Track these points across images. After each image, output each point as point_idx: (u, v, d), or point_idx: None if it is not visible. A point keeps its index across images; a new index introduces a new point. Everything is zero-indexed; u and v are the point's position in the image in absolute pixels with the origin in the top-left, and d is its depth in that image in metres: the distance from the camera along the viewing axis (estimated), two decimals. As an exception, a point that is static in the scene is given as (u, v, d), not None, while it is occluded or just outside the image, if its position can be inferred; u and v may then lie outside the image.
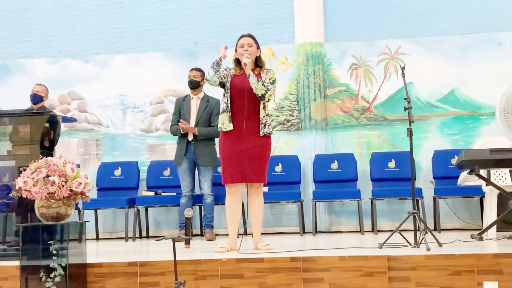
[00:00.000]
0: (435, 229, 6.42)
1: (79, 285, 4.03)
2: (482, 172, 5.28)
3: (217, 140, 6.38)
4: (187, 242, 4.07)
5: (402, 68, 4.98)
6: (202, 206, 6.58)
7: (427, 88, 7.18)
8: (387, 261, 3.98)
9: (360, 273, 3.98)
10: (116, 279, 4.11)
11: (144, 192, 7.00)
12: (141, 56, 7.57)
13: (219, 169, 6.80)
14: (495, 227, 5.25)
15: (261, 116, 4.74)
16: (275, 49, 7.39)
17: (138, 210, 6.80)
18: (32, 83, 6.59)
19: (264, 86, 4.66)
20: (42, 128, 4.77)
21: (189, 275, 4.04)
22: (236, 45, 4.84)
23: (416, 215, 4.63)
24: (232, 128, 4.71)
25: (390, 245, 4.54)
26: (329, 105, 7.29)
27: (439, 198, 6.56)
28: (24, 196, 3.97)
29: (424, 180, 6.96)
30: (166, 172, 7.14)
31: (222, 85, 4.78)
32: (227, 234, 4.88)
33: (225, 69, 4.81)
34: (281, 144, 7.19)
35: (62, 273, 3.88)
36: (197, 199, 6.58)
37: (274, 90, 4.78)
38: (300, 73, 7.33)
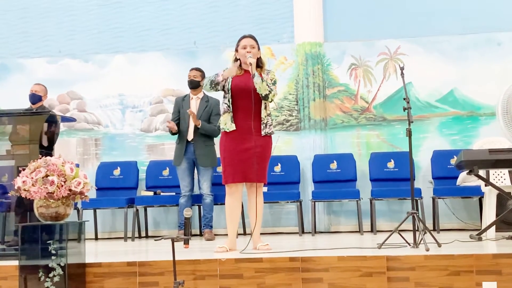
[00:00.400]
0: (434, 230, 6.42)
1: (78, 285, 4.03)
2: (481, 172, 5.28)
3: (216, 140, 6.41)
4: (186, 242, 4.07)
5: (402, 68, 4.98)
6: (201, 206, 6.58)
7: (426, 88, 7.18)
8: (386, 261, 3.98)
9: (359, 273, 3.98)
10: (115, 279, 4.11)
11: (143, 192, 7.00)
12: (140, 56, 7.57)
13: (219, 169, 6.84)
14: (494, 227, 5.26)
15: (262, 116, 4.74)
16: (274, 49, 7.40)
17: (137, 210, 6.80)
18: (31, 82, 6.57)
19: (268, 86, 4.66)
20: (41, 127, 4.77)
21: (188, 275, 4.04)
22: (237, 45, 4.82)
23: (415, 215, 4.64)
24: (234, 128, 4.70)
25: (389, 245, 4.55)
26: (328, 105, 7.29)
27: (438, 198, 6.56)
28: (23, 195, 3.97)
29: (423, 180, 6.96)
30: (165, 172, 7.14)
31: (222, 87, 4.77)
32: (226, 234, 4.88)
33: (224, 70, 4.78)
34: (280, 144, 7.19)
35: (61, 273, 3.88)
36: (196, 199, 6.58)
37: (275, 91, 4.78)
38: (300, 73, 7.33)
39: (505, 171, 5.90)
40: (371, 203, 6.59)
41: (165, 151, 7.35)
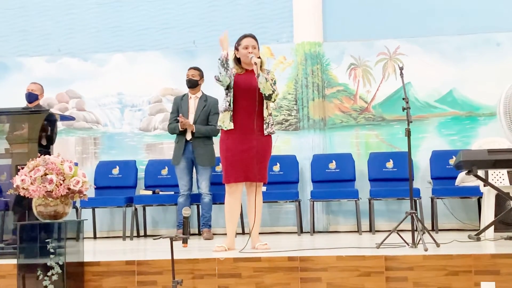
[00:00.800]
0: (432, 230, 6.42)
1: (77, 284, 4.03)
2: (480, 172, 5.28)
3: (215, 139, 6.41)
4: (185, 241, 4.07)
5: (401, 68, 4.98)
6: (200, 205, 6.58)
7: (426, 89, 7.18)
8: (384, 261, 3.98)
9: (358, 273, 3.98)
10: (114, 277, 4.11)
11: (142, 191, 7.00)
12: (139, 54, 7.57)
13: (217, 168, 6.84)
14: (492, 227, 5.26)
15: (265, 115, 4.73)
16: (273, 48, 7.40)
17: (136, 209, 6.80)
18: (30, 81, 6.58)
19: (271, 86, 4.66)
20: (40, 126, 4.76)
21: (187, 274, 4.04)
22: (238, 44, 4.79)
23: (414, 215, 4.64)
24: (232, 127, 4.69)
25: (387, 245, 4.55)
26: (328, 105, 7.29)
27: (437, 198, 6.56)
28: (22, 194, 3.97)
29: (422, 180, 6.96)
30: (164, 171, 7.14)
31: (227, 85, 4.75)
32: (225, 234, 4.88)
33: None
34: (279, 144, 7.18)
35: (60, 271, 3.88)
36: (195, 198, 6.58)
37: (278, 91, 4.78)
38: (299, 72, 7.33)
39: (504, 171, 5.90)
40: (369, 203, 6.59)
41: (164, 150, 7.35)
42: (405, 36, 7.26)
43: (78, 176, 4.01)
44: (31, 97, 6.32)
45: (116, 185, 7.13)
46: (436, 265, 3.95)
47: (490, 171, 5.81)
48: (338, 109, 7.29)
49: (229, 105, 4.71)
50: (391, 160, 6.95)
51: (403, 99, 4.78)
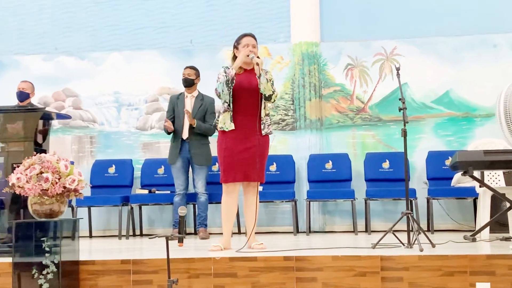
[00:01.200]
0: (428, 230, 6.44)
1: (72, 282, 4.02)
2: (476, 173, 5.29)
3: (211, 138, 6.42)
4: (181, 241, 4.07)
5: (397, 69, 4.98)
6: (196, 205, 6.57)
7: (422, 89, 7.19)
8: (380, 261, 3.99)
9: (353, 273, 3.98)
10: (109, 276, 4.10)
11: (138, 190, 7.00)
12: (136, 53, 7.56)
13: (214, 168, 6.84)
14: (488, 228, 5.27)
15: (262, 115, 4.73)
16: (270, 48, 7.40)
17: (131, 208, 6.80)
18: (27, 79, 6.57)
19: (271, 87, 4.66)
20: (36, 124, 4.75)
21: (182, 273, 4.04)
22: (238, 43, 4.77)
23: (409, 215, 4.64)
24: (233, 127, 4.66)
25: (383, 245, 4.55)
26: (324, 105, 7.29)
27: (433, 199, 6.58)
28: (17, 192, 3.96)
29: (418, 181, 6.98)
30: (160, 170, 7.14)
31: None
32: (221, 233, 4.87)
33: (225, 71, 4.74)
34: (276, 144, 7.18)
35: (55, 270, 3.87)
36: (191, 198, 6.57)
37: (277, 91, 4.77)
38: (296, 72, 7.33)
39: (500, 172, 5.91)
40: (365, 203, 6.60)
41: (161, 149, 7.35)
42: (402, 37, 7.27)
43: (74, 175, 4.00)
44: (22, 95, 6.31)
45: (112, 184, 7.12)
46: (432, 266, 3.95)
47: (486, 172, 5.82)
48: (335, 109, 7.30)
49: (229, 105, 4.69)
50: (387, 161, 6.96)
51: (400, 99, 4.78)
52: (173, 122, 6.39)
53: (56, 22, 7.71)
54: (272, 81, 4.74)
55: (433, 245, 4.55)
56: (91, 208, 7.00)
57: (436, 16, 7.24)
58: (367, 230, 6.54)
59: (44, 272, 3.87)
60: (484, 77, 7.07)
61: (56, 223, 3.96)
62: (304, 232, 6.64)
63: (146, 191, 6.86)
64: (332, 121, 7.28)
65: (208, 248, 4.66)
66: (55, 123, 7.33)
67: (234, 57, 4.81)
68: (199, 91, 6.51)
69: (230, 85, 4.59)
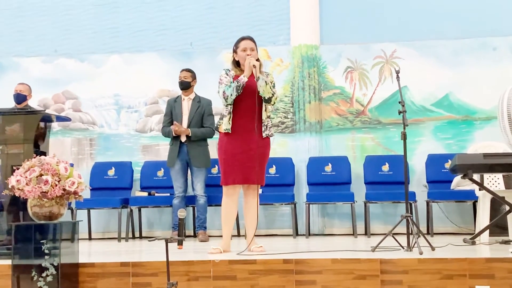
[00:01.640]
0: (428, 233, 6.43)
1: (71, 285, 4.02)
2: (476, 176, 5.29)
3: (210, 141, 6.42)
4: (180, 243, 4.06)
5: (397, 72, 4.99)
6: (195, 207, 6.57)
7: (422, 92, 7.20)
8: (379, 264, 3.99)
9: (353, 276, 3.98)
10: (108, 279, 4.10)
11: (137, 192, 6.99)
12: (136, 56, 7.57)
13: (213, 170, 6.84)
14: (487, 231, 5.27)
15: (263, 118, 4.73)
16: (270, 51, 7.40)
17: (131, 210, 6.79)
18: (27, 81, 6.57)
19: (271, 89, 4.66)
20: (36, 127, 4.75)
21: (182, 276, 4.04)
22: (237, 46, 4.78)
23: (409, 218, 4.64)
24: (234, 130, 4.68)
25: (383, 248, 4.55)
26: (324, 107, 7.30)
27: (432, 202, 6.58)
28: (17, 195, 3.96)
29: (418, 184, 6.98)
30: (160, 173, 7.13)
31: None
32: (221, 236, 4.87)
33: (227, 74, 4.75)
34: (276, 146, 7.16)
35: (54, 272, 3.87)
36: (190, 200, 6.57)
37: (277, 93, 4.78)
38: (295, 75, 7.34)
39: (499, 175, 5.91)
40: (365, 206, 6.60)
41: (160, 151, 7.35)
42: (402, 40, 7.27)
43: (74, 177, 4.01)
44: (20, 97, 6.31)
45: (111, 187, 7.12)
46: (431, 269, 3.96)
47: (486, 175, 5.82)
48: (335, 112, 7.30)
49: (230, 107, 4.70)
50: (387, 163, 6.96)
51: (399, 102, 4.79)
52: (171, 125, 6.39)
53: (56, 24, 7.71)
54: (273, 84, 4.75)
55: (433, 248, 4.55)
56: (91, 210, 7.00)
57: (436, 19, 7.24)
58: (367, 233, 6.53)
59: (44, 274, 3.87)
60: (483, 80, 7.08)
61: (55, 226, 3.95)
62: (303, 235, 6.64)
63: (145, 194, 6.86)
64: (332, 124, 7.29)
65: (207, 250, 4.67)
66: (54, 125, 7.34)
67: (234, 61, 4.82)
68: (196, 93, 6.51)
69: (240, 91, 4.61)
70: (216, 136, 5.10)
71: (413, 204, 6.42)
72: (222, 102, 4.73)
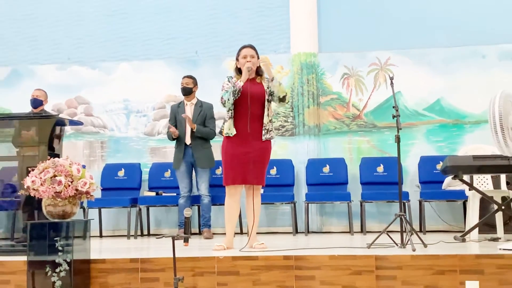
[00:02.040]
0: (420, 231, 6.43)
1: (83, 280, 4.03)
2: (466, 177, 5.29)
3: (213, 143, 6.43)
4: (186, 240, 4.06)
5: (391, 78, 5.00)
6: (200, 206, 6.57)
7: (415, 97, 7.20)
8: (375, 260, 3.99)
9: (349, 271, 3.98)
10: (118, 274, 4.11)
11: (145, 192, 7.00)
12: (144, 63, 7.58)
13: (217, 171, 6.85)
14: (477, 229, 5.27)
15: (265, 121, 4.73)
16: (271, 58, 7.36)
17: (140, 209, 6.79)
18: (41, 87, 6.57)
19: (284, 89, 4.72)
20: (51, 130, 4.76)
21: (188, 271, 4.04)
22: (238, 54, 4.80)
23: (402, 217, 4.64)
24: (235, 132, 4.69)
25: (378, 245, 4.55)
26: (322, 112, 7.30)
27: (425, 201, 6.57)
28: (32, 194, 3.97)
29: (411, 184, 6.97)
30: (167, 174, 7.14)
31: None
32: (224, 233, 4.87)
33: (229, 81, 4.76)
34: (276, 148, 7.16)
35: (67, 268, 3.88)
36: (195, 200, 6.58)
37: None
38: (295, 81, 7.34)
39: (488, 176, 5.90)
40: (361, 205, 6.59)
41: (167, 154, 7.35)
42: (396, 48, 7.28)
43: (86, 178, 4.01)
44: (36, 102, 6.32)
45: (121, 187, 7.12)
46: (424, 265, 3.95)
47: (475, 176, 5.82)
48: (332, 116, 7.30)
49: (231, 113, 4.70)
50: (381, 165, 6.96)
51: (393, 107, 4.79)
52: (175, 130, 6.40)
53: (69, 34, 7.72)
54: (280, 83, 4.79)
55: (425, 245, 4.54)
56: (102, 209, 7.00)
57: (428, 29, 7.24)
58: (363, 231, 6.53)
59: (57, 270, 3.87)
60: (473, 86, 7.07)
61: (68, 224, 3.96)
62: (302, 232, 6.64)
63: (153, 193, 6.87)
64: (329, 127, 7.29)
65: (212, 247, 4.66)
66: (67, 129, 7.35)
67: (236, 68, 4.83)
68: (197, 98, 6.52)
69: (236, 95, 4.62)
70: (220, 138, 5.10)
71: (406, 204, 6.42)
72: (222, 107, 4.75)
